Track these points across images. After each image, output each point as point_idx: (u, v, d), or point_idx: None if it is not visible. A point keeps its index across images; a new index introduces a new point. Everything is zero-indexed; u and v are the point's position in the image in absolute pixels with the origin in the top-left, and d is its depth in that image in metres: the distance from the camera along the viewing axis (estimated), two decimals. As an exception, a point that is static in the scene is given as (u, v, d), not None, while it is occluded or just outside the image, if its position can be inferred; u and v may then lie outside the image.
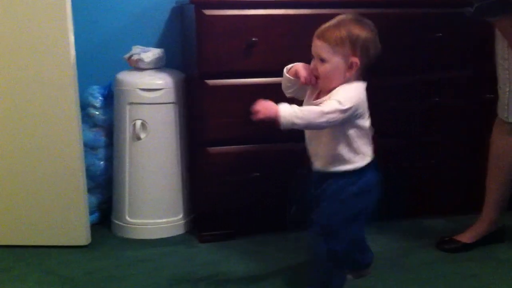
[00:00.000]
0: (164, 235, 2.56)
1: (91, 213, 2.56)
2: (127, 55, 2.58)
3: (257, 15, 2.35)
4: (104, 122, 2.66)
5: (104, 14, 2.76)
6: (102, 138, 2.66)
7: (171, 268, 2.25)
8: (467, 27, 2.50)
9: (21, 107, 2.32)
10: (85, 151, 2.46)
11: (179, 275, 2.19)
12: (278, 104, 1.68)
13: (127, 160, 2.53)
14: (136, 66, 2.56)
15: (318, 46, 1.78)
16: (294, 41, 2.34)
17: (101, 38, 2.77)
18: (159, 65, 2.60)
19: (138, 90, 2.48)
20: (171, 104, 2.53)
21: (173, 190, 2.59)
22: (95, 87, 2.67)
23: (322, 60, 1.78)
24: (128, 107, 2.50)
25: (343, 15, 1.82)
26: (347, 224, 1.85)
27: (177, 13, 2.83)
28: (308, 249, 1.93)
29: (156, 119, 2.51)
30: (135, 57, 2.55)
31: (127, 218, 2.56)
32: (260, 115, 1.67)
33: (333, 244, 1.83)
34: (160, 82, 2.51)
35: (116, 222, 2.60)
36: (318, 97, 1.84)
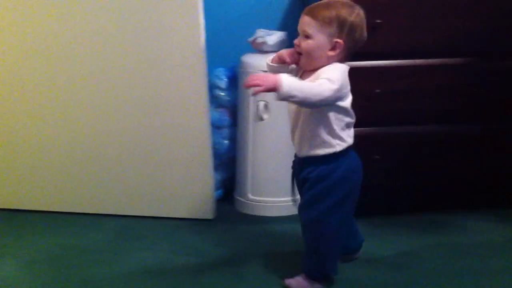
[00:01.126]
0: (284, 213, 2.63)
1: (215, 189, 2.69)
2: (251, 38, 2.66)
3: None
4: (228, 103, 2.77)
5: (229, -3, 2.88)
6: (226, 118, 2.78)
7: (292, 244, 2.32)
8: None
9: (154, 88, 2.48)
10: (211, 130, 2.59)
11: (301, 250, 2.26)
12: (278, 75, 1.69)
13: (250, 139, 2.63)
14: (260, 49, 2.63)
15: (305, 22, 1.80)
16: (418, 22, 2.31)
17: (226, 22, 2.88)
18: (283, 48, 2.65)
19: (261, 72, 2.56)
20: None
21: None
22: (220, 69, 2.79)
23: (307, 36, 1.79)
24: (251, 88, 2.58)
25: None
26: (333, 210, 1.86)
27: (300, -4, 2.87)
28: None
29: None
30: (259, 40, 2.62)
31: (249, 195, 2.67)
32: (262, 88, 1.66)
33: (322, 230, 1.87)
34: (283, 64, 2.57)
35: (239, 198, 2.72)
36: (301, 78, 1.84)
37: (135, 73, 2.48)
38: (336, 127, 1.82)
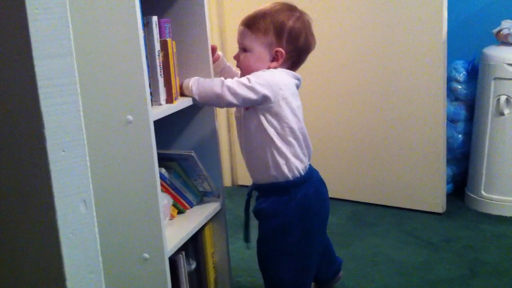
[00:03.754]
0: (520, 214, 2.51)
1: (446, 183, 2.66)
2: (495, 30, 2.55)
3: None
4: (465, 96, 2.70)
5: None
6: (462, 112, 2.72)
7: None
8: None
9: (395, 79, 2.55)
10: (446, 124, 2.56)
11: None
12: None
13: (487, 135, 2.54)
14: (505, 40, 2.52)
15: (241, 33, 1.58)
16: None
17: (470, 13, 2.80)
18: (530, 39, 2.51)
19: (505, 65, 2.45)
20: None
21: (534, 170, 2.50)
22: (459, 61, 2.73)
23: (244, 49, 1.56)
24: (493, 82, 2.49)
25: (273, 3, 1.57)
26: (288, 256, 1.59)
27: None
28: None
29: (522, 95, 2.45)
30: (504, 32, 2.50)
31: (483, 192, 2.58)
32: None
33: (277, 277, 1.62)
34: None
35: (471, 195, 2.65)
36: None
37: (379, 65, 2.58)
38: (284, 152, 1.55)
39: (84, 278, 0.75)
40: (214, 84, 1.50)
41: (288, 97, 1.53)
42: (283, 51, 1.55)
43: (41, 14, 0.80)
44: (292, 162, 1.56)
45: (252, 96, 1.49)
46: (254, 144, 1.57)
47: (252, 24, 1.57)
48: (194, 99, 1.55)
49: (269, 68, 1.57)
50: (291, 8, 1.60)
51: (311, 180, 1.61)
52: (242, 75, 1.61)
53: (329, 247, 1.82)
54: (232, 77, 1.60)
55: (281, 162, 1.55)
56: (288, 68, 1.59)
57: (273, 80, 1.51)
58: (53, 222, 0.76)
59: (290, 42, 1.56)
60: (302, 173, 1.58)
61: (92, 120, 1.36)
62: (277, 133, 1.54)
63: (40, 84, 0.81)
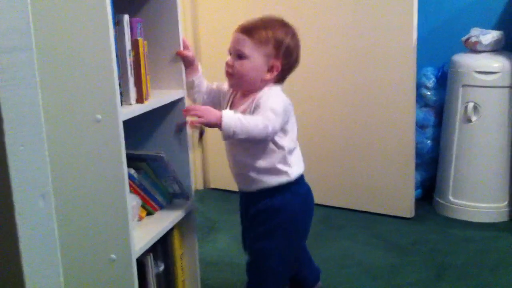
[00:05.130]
0: (486, 220, 2.55)
1: (415, 188, 2.69)
2: (464, 37, 2.60)
3: None
4: (435, 103, 2.75)
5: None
6: (431, 118, 2.76)
7: (494, 252, 2.25)
8: None
9: (366, 84, 2.57)
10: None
11: (504, 260, 2.18)
12: (223, 111, 1.52)
13: (455, 141, 2.58)
14: (472, 48, 2.57)
15: (240, 40, 1.59)
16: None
17: (440, 20, 2.85)
18: (497, 48, 2.56)
19: (473, 72, 2.50)
20: (506, 88, 2.48)
21: (500, 176, 2.55)
22: (429, 68, 2.78)
23: (241, 56, 1.58)
24: (461, 89, 2.54)
25: (270, 16, 1.62)
26: (289, 248, 1.70)
27: (520, -7, 2.72)
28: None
29: (489, 102, 2.50)
30: (473, 39, 2.56)
31: (450, 197, 2.62)
32: (202, 120, 1.49)
33: (270, 271, 1.69)
34: (496, 65, 2.47)
35: (439, 200, 2.69)
36: (234, 103, 1.65)
37: (349, 71, 2.60)
38: (277, 154, 1.62)
39: (43, 273, 0.74)
40: (259, 131, 1.51)
41: (292, 112, 1.63)
42: (279, 65, 1.60)
43: (1, 8, 0.79)
44: (296, 164, 1.66)
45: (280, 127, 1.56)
46: (255, 155, 1.62)
47: (253, 32, 1.59)
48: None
49: (262, 79, 1.60)
50: (286, 25, 1.64)
51: (304, 179, 1.72)
52: (234, 81, 1.63)
53: (306, 247, 1.90)
54: (203, 89, 1.70)
55: (282, 165, 1.63)
56: (277, 82, 1.64)
57: (286, 104, 1.58)
58: (11, 216, 0.75)
59: (285, 57, 1.61)
60: (300, 172, 1.68)
61: (61, 118, 1.35)
62: (281, 140, 1.61)
63: (-1, 77, 0.80)
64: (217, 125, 1.49)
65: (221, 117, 1.48)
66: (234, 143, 1.65)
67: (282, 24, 1.63)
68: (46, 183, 0.84)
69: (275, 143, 1.60)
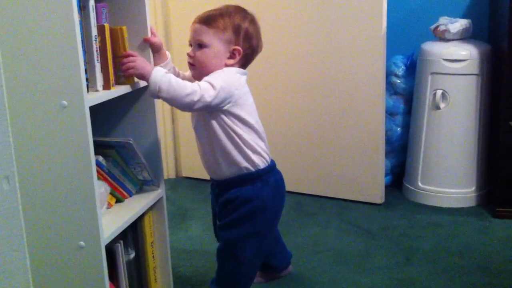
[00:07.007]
0: (455, 205, 2.60)
1: (384, 175, 2.73)
2: (433, 26, 2.64)
3: None
4: (404, 90, 2.78)
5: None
6: (401, 106, 2.79)
7: (462, 236, 2.30)
8: None
9: (334, 72, 2.59)
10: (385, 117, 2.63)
11: (471, 244, 2.23)
12: (156, 67, 1.55)
13: (424, 128, 2.62)
14: (441, 36, 2.60)
15: (198, 30, 1.63)
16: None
17: (409, 9, 2.88)
18: (465, 36, 2.60)
19: (442, 60, 2.53)
20: (474, 76, 2.52)
21: (468, 162, 2.59)
22: (398, 56, 2.81)
23: (201, 46, 1.63)
24: (430, 76, 2.57)
25: (227, 5, 1.68)
26: (257, 235, 1.73)
27: (487, -18, 2.77)
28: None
29: (457, 90, 2.54)
30: (441, 28, 2.59)
31: (419, 183, 2.67)
32: (133, 71, 1.52)
33: (242, 258, 1.73)
34: (464, 53, 2.51)
35: (408, 186, 2.73)
36: None
37: (319, 59, 2.61)
38: (242, 142, 1.65)
39: (9, 255, 0.73)
40: (184, 95, 1.51)
41: (244, 95, 1.64)
42: (240, 49, 1.64)
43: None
44: (259, 152, 1.68)
45: (216, 100, 1.55)
46: (221, 143, 1.64)
47: (210, 21, 1.62)
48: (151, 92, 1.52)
49: (225, 65, 1.63)
50: (244, 11, 1.69)
51: (275, 167, 1.76)
52: (196, 72, 1.66)
53: (278, 233, 1.95)
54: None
55: (250, 153, 1.66)
56: (240, 67, 1.67)
57: (234, 83, 1.60)
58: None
59: (245, 41, 1.65)
60: (269, 161, 1.72)
61: (27, 104, 1.33)
62: (241, 128, 1.63)
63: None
64: (145, 78, 1.52)
65: (150, 69, 1.51)
66: (201, 132, 1.66)
67: (239, 10, 1.68)
68: (11, 165, 0.83)
69: (236, 132, 1.62)
